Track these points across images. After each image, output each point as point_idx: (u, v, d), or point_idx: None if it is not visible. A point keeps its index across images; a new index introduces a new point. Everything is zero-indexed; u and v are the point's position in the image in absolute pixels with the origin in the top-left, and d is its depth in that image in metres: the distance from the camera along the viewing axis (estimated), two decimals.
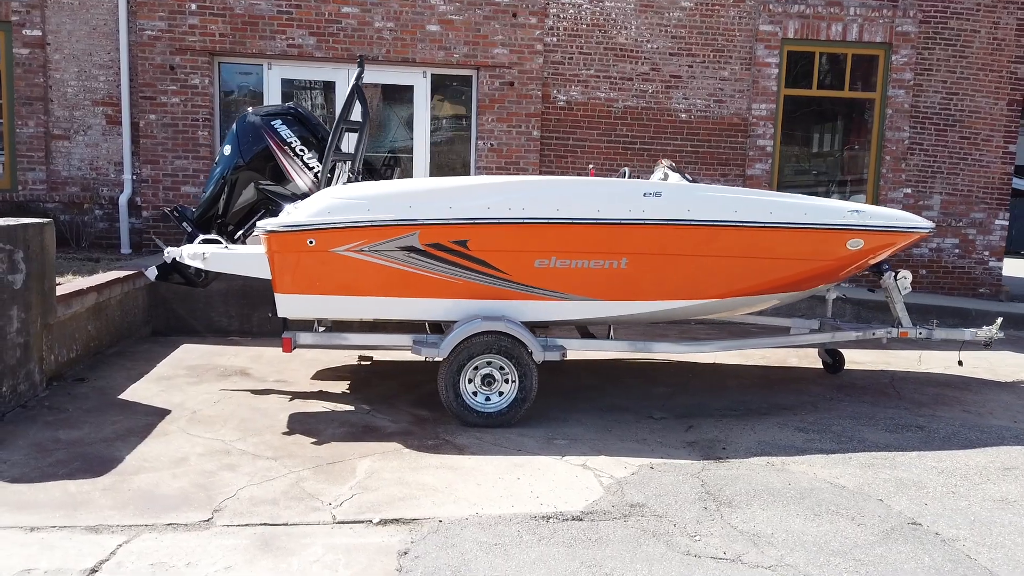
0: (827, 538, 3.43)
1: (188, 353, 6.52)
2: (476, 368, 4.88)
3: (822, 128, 10.77)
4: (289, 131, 5.42)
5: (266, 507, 3.58)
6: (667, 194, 5.00)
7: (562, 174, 9.74)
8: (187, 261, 4.83)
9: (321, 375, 6.02)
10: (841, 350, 6.64)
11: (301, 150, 5.42)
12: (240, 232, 5.70)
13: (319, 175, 5.42)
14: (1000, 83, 10.40)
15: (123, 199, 9.10)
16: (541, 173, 9.60)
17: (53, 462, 4.00)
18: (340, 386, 5.72)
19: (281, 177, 5.52)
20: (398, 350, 6.61)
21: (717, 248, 5.12)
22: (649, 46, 9.75)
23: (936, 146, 10.40)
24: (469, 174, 9.67)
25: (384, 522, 3.48)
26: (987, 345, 6.36)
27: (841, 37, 9.97)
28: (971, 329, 6.30)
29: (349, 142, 5.95)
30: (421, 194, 4.80)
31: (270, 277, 4.80)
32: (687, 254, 5.09)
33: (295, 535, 3.32)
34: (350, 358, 6.58)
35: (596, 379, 6.13)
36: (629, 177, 6.01)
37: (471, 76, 9.61)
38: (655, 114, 9.86)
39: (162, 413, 4.87)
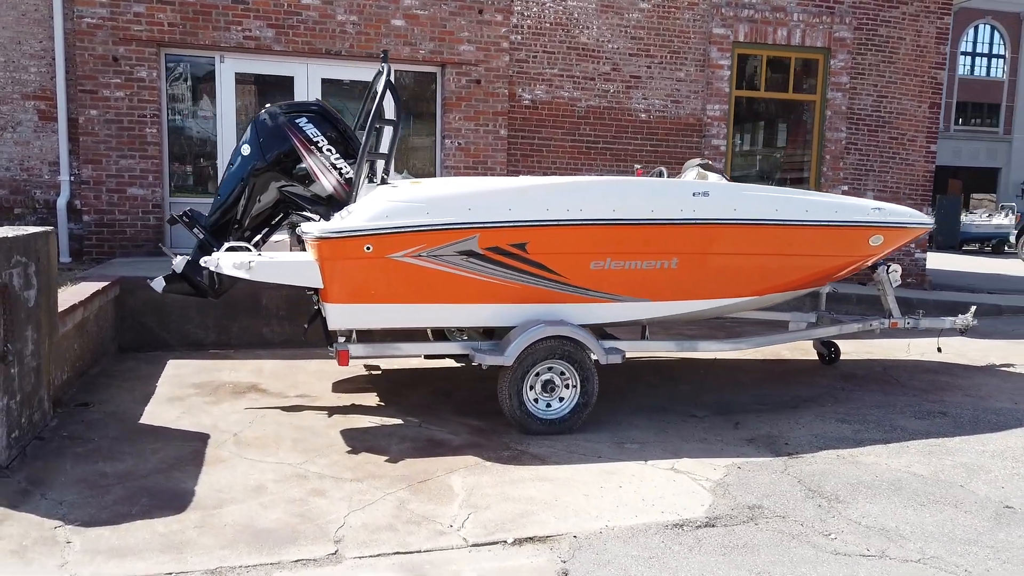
0: (947, 527, 3.56)
1: (181, 370, 6.00)
2: (537, 374, 4.75)
3: (769, 128, 11.23)
4: (316, 129, 5.07)
5: (387, 534, 3.33)
6: (714, 194, 5.05)
7: (528, 174, 9.68)
8: (229, 272, 4.42)
9: (340, 387, 5.70)
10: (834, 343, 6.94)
11: (329, 150, 5.09)
12: (258, 238, 5.30)
13: (345, 175, 5.11)
14: (923, 87, 11.18)
15: (61, 202, 8.29)
16: (508, 173, 9.49)
17: (117, 499, 3.57)
18: (368, 398, 5.43)
19: (304, 178, 5.15)
20: (439, 359, 6.32)
21: (759, 246, 5.21)
22: (610, 46, 9.84)
23: (869, 146, 11.07)
24: (435, 173, 9.43)
25: (519, 541, 3.32)
26: (963, 332, 6.81)
27: (786, 41, 10.42)
28: (950, 318, 6.73)
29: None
30: (481, 196, 4.62)
31: (319, 286, 4.47)
32: (733, 252, 5.16)
33: (438, 563, 3.11)
34: (356, 368, 6.26)
35: (617, 380, 6.11)
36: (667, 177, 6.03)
37: (436, 73, 9.37)
38: (616, 114, 9.97)
39: (201, 438, 4.45)
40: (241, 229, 5.21)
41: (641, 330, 5.60)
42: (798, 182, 11.06)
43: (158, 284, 5.21)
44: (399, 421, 4.91)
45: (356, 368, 6.28)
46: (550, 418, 4.74)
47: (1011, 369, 6.88)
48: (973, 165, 37.12)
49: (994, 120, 39.18)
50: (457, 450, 4.41)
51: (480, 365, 4.73)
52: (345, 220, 4.45)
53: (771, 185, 10.98)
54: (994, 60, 39.02)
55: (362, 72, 9.13)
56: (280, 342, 7.15)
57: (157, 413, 4.87)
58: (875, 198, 11.12)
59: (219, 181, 5.23)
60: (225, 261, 4.44)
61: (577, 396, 4.77)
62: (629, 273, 4.93)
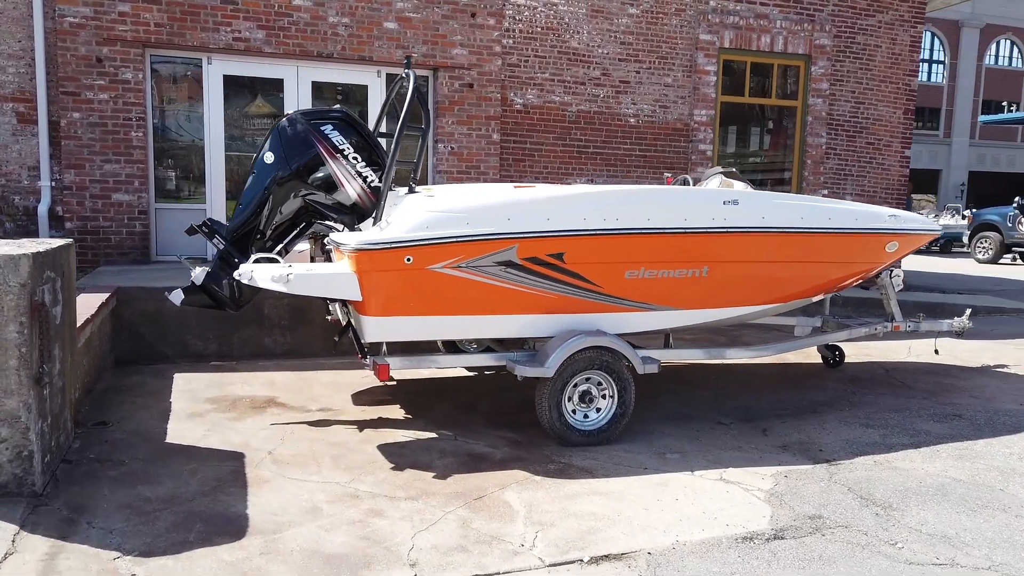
0: (1005, 533, 3.63)
1: (191, 384, 5.79)
2: (575, 385, 4.70)
3: (752, 133, 11.38)
4: (342, 137, 4.94)
5: (460, 555, 3.25)
6: (743, 202, 5.08)
7: (521, 178, 9.64)
8: (266, 285, 4.26)
9: (360, 400, 5.57)
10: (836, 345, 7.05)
11: (355, 157, 4.96)
12: (279, 247, 5.14)
13: (370, 183, 4.99)
14: (898, 94, 11.48)
15: (42, 209, 7.95)
16: (501, 177, 9.44)
17: (169, 526, 3.41)
18: (393, 411, 5.32)
19: (325, 186, 5.01)
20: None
21: (786, 254, 5.26)
22: (600, 51, 9.86)
23: (847, 151, 11.32)
24: (428, 178, 9.31)
25: (595, 560, 3.27)
26: (959, 334, 7.00)
27: (769, 48, 10.58)
28: (947, 321, 6.90)
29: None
30: (520, 205, 4.56)
31: (357, 299, 4.35)
32: (760, 260, 5.20)
33: None
34: (368, 379, 6.14)
35: (639, 388, 6.09)
36: (692, 184, 6.05)
37: (428, 77, 9.26)
38: (606, 118, 9.99)
39: (236, 457, 4.29)
40: (263, 239, 5.04)
41: (664, 339, 5.61)
42: (780, 186, 11.24)
43: (176, 297, 5.01)
44: (433, 435, 4.82)
45: (369, 379, 6.16)
46: (588, 429, 4.71)
47: (1006, 370, 7.09)
48: (916, 167, 38.38)
49: (935, 124, 40.60)
50: (502, 464, 4.34)
51: (518, 376, 4.67)
52: (385, 231, 4.34)
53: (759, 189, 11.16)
54: (934, 66, 40.42)
55: (354, 75, 8.97)
56: (283, 352, 6.97)
57: (181, 431, 4.69)
58: (853, 201, 11.38)
59: (242, 190, 5.06)
60: (261, 274, 4.29)
61: (615, 406, 4.75)
62: (662, 282, 4.93)
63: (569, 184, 9.73)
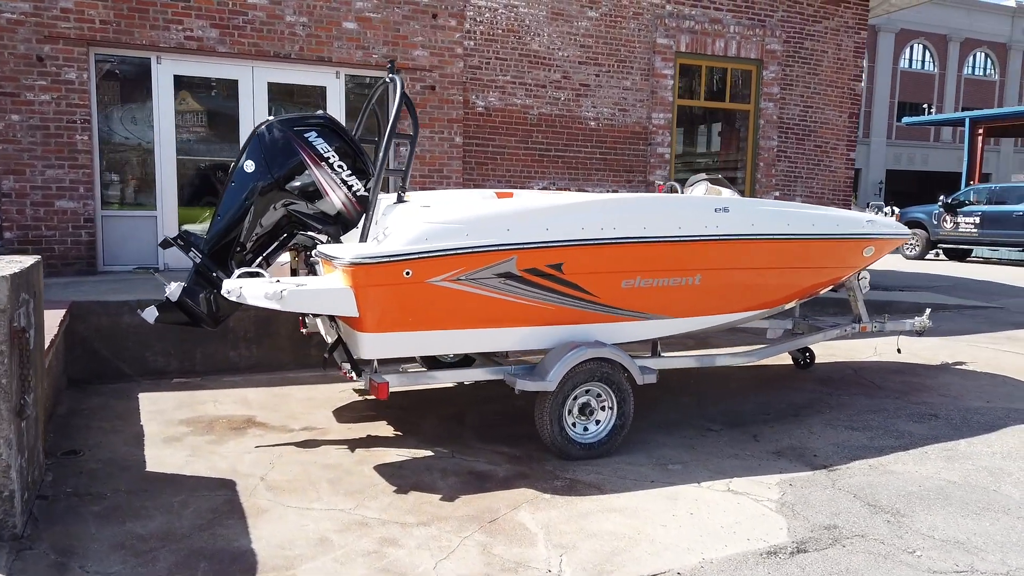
0: (1013, 536, 3.70)
1: (159, 404, 5.48)
2: (575, 398, 4.62)
3: (707, 136, 11.53)
4: (327, 144, 4.73)
5: None
6: (734, 209, 5.09)
7: (484, 182, 9.51)
8: (260, 304, 4.02)
9: (343, 417, 5.36)
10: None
11: (340, 166, 4.76)
12: (258, 261, 4.89)
13: (355, 192, 4.80)
14: (843, 98, 11.81)
15: None
16: (464, 181, 9.29)
17: (172, 567, 3.17)
18: (379, 428, 5.13)
19: (311, 196, 4.79)
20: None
21: (773, 260, 5.30)
22: (560, 54, 9.81)
23: (797, 153, 11.58)
24: (388, 184, 9.08)
25: None
26: (920, 333, 7.20)
27: (723, 52, 10.73)
28: (909, 320, 7.09)
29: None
30: (518, 216, 4.44)
31: (354, 315, 4.16)
32: (750, 267, 5.22)
33: None
34: (346, 394, 5.93)
35: None
36: (679, 191, 6.02)
37: None
38: (567, 121, 9.95)
39: (226, 485, 4.05)
40: (244, 251, 4.79)
41: (652, 347, 5.57)
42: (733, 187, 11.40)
43: (150, 315, 4.72)
44: (428, 453, 4.66)
45: (346, 394, 5.95)
46: (589, 442, 4.63)
47: (964, 367, 7.34)
48: None
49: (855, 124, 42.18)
50: (507, 483, 4.22)
51: (515, 390, 4.55)
52: (383, 244, 4.17)
53: None
54: None
55: (312, 76, 8.69)
56: (249, 367, 6.69)
57: (161, 458, 4.41)
58: (802, 202, 11.64)
59: (219, 200, 4.79)
60: (252, 291, 4.06)
61: (614, 418, 4.68)
62: (657, 291, 4.89)
63: (532, 188, 9.66)
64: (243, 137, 8.49)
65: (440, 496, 4.00)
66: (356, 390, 6.06)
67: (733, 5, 10.71)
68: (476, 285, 4.34)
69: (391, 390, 4.35)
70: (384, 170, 4.84)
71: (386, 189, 7.08)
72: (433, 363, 5.79)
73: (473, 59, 9.34)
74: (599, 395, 4.68)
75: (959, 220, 20.65)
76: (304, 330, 5.64)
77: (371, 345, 4.25)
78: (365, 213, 4.81)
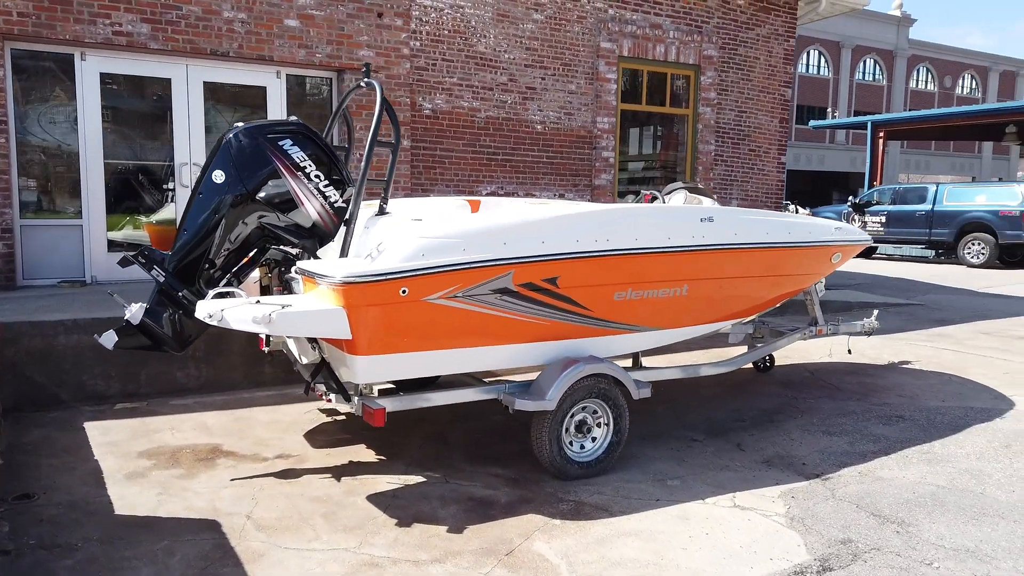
0: (1017, 542, 3.78)
1: (109, 434, 5.02)
2: (572, 415, 4.48)
3: (648, 140, 11.60)
4: (302, 152, 4.41)
5: None
6: (718, 218, 5.06)
7: (432, 186, 9.26)
8: (242, 327, 3.68)
9: (317, 441, 5.05)
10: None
11: (317, 175, 4.45)
12: (226, 279, 4.51)
13: (332, 202, 4.50)
14: (775, 103, 12.12)
15: None
16: (412, 186, 9.01)
17: None
18: (360, 452, 4.86)
19: (284, 207, 4.46)
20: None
21: (754, 268, 5.31)
22: (506, 56, 9.66)
23: (733, 157, 11.81)
24: None
25: None
26: (868, 335, 7.42)
27: (664, 57, 10.82)
28: (859, 322, 7.30)
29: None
30: (515, 229, 4.26)
31: (346, 337, 3.88)
32: (733, 276, 5.21)
33: None
34: (314, 415, 5.61)
35: None
36: (664, 198, 5.95)
37: (332, 79, 8.67)
38: (514, 125, 9.81)
39: (211, 527, 3.71)
40: (213, 269, 4.42)
41: (633, 359, 5.50)
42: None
43: (108, 340, 4.29)
44: (420, 478, 4.42)
45: (313, 415, 5.63)
46: (586, 460, 4.50)
47: (911, 366, 7.60)
48: None
49: None
50: (511, 509, 4.04)
51: (510, 409, 4.38)
52: (377, 261, 3.90)
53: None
54: None
55: (251, 76, 8.23)
56: (198, 387, 6.25)
57: (129, 499, 4.01)
58: (738, 206, 11.91)
59: (183, 214, 4.40)
60: (236, 314, 3.72)
61: (611, 434, 4.57)
62: (647, 303, 4.81)
63: (481, 193, 9.48)
64: (177, 140, 7.97)
65: (446, 527, 3.78)
66: (322, 410, 5.75)
67: (672, 11, 10.81)
68: (473, 302, 4.14)
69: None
70: (366, 180, 4.58)
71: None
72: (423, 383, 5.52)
73: (419, 60, 9.07)
74: (595, 412, 4.56)
75: (867, 219, 21.69)
76: (266, 349, 5.27)
77: (366, 369, 3.98)
78: (346, 226, 4.53)
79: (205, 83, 8.03)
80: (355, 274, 3.84)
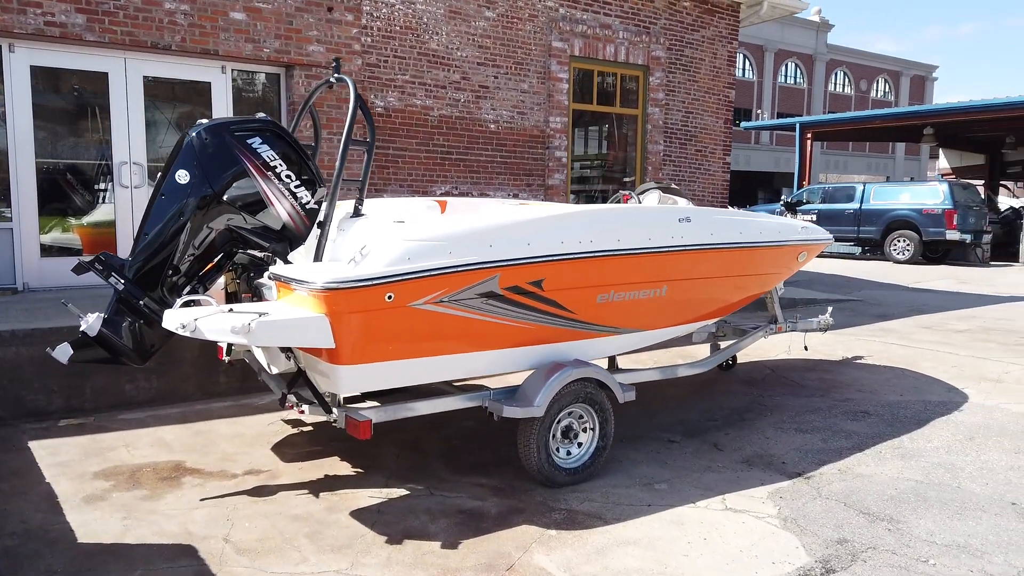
0: (1004, 535, 3.84)
1: (58, 454, 4.67)
2: (558, 421, 4.37)
3: (599, 140, 11.60)
4: (272, 151, 4.17)
5: None
6: (694, 219, 5.03)
7: (385, 186, 9.02)
8: (218, 338, 3.43)
9: (287, 455, 4.80)
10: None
11: (288, 176, 4.22)
12: (190, 286, 4.23)
13: (303, 203, 4.29)
14: (719, 105, 12.29)
15: None
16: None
17: None
18: (333, 464, 4.64)
19: (252, 208, 4.21)
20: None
21: (729, 268, 5.31)
22: (459, 54, 9.49)
23: (680, 157, 11.93)
24: None
25: None
26: (824, 331, 7.56)
27: (614, 57, 10.83)
28: (815, 319, 7.42)
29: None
30: (501, 230, 4.12)
31: (329, 346, 3.68)
32: (709, 276, 5.20)
33: None
34: (277, 426, 5.36)
35: None
36: (640, 198, 5.87)
37: (280, 75, 8.34)
38: (468, 124, 9.65)
39: (187, 552, 3.46)
40: (177, 275, 4.13)
41: (609, 362, 5.44)
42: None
43: (63, 354, 3.97)
44: (403, 491, 4.24)
45: (277, 427, 5.37)
46: (573, 467, 4.39)
47: (864, 361, 7.78)
48: None
49: None
50: (503, 521, 3.90)
51: (494, 416, 4.25)
52: (361, 265, 3.71)
53: (609, 196, 11.39)
54: None
55: (195, 71, 7.84)
56: (148, 400, 5.91)
57: (91, 525, 3.71)
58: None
59: (144, 217, 4.10)
60: (211, 324, 3.47)
61: (596, 440, 4.48)
62: (628, 304, 4.75)
63: (435, 193, 9.30)
64: (115, 138, 7.52)
65: (440, 543, 3.62)
66: (286, 421, 5.49)
67: (621, 11, 10.84)
68: (458, 307, 3.99)
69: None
70: (340, 180, 4.38)
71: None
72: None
73: (371, 56, 8.82)
74: (581, 416, 4.46)
75: (799, 218, 22.33)
76: (226, 358, 4.99)
77: (349, 379, 3.78)
78: (320, 228, 4.32)
79: (145, 78, 7.60)
80: (338, 279, 3.64)
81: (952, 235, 19.37)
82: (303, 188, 4.29)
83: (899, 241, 20.14)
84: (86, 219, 7.65)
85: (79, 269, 4.03)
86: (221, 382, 6.24)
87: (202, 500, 4.05)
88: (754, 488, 4.39)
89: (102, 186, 7.70)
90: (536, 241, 4.20)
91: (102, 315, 4.02)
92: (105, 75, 7.42)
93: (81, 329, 3.99)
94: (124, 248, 7.54)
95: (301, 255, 4.50)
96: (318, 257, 4.29)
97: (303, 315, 3.64)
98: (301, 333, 3.63)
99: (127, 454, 4.71)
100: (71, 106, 7.42)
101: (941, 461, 4.90)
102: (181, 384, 6.07)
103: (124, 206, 7.59)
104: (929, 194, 20.00)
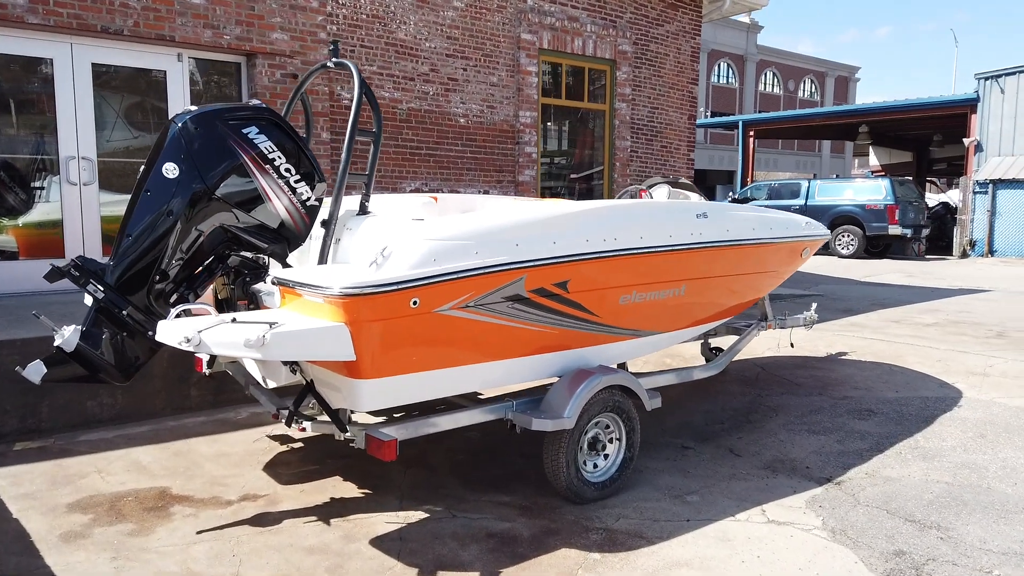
0: None
1: (22, 484, 4.13)
2: (585, 432, 4.08)
3: (567, 135, 11.34)
4: (270, 142, 3.75)
5: None
6: (711, 215, 4.81)
7: (353, 182, 8.55)
8: (228, 352, 3.00)
9: (283, 477, 4.38)
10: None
11: (287, 169, 3.80)
12: (179, 293, 3.77)
13: (302, 199, 3.88)
14: (683, 101, 12.20)
15: None
16: (332, 181, 8.28)
17: None
18: (339, 485, 4.24)
19: (247, 204, 3.78)
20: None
21: (743, 265, 5.11)
22: (427, 45, 9.10)
23: (647, 153, 11.79)
24: None
25: None
26: (809, 327, 7.48)
27: (582, 51, 10.60)
28: (802, 316, 7.33)
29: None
30: (526, 228, 3.80)
31: (350, 358, 3.29)
32: (725, 274, 4.99)
33: None
34: (260, 443, 4.92)
35: None
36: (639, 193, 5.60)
37: (241, 63, 7.81)
38: (437, 118, 9.27)
39: None
40: (165, 281, 3.67)
41: (620, 367, 5.16)
42: (589, 190, 11.37)
43: (35, 372, 3.47)
44: (422, 514, 3.88)
45: (263, 443, 4.93)
46: (601, 480, 4.11)
47: (849, 357, 7.73)
48: None
49: None
50: (539, 544, 3.58)
51: (517, 429, 3.93)
52: (383, 268, 3.34)
53: (576, 192, 11.15)
54: None
55: (148, 58, 7.26)
56: (112, 417, 5.38)
57: (76, 567, 3.23)
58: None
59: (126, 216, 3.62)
60: (219, 338, 3.05)
61: (623, 450, 4.21)
62: (649, 305, 4.49)
63: (405, 189, 8.89)
64: (61, 130, 6.90)
65: (478, 574, 3.28)
66: (272, 437, 5.05)
67: (588, 4, 10.61)
68: (485, 312, 3.65)
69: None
70: (347, 175, 3.98)
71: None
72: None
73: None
74: (607, 427, 4.18)
75: None
76: (207, 371, 4.52)
77: (371, 394, 3.41)
78: (325, 228, 3.91)
79: (94, 65, 6.99)
80: (358, 284, 3.26)
81: (894, 230, 19.88)
82: (303, 183, 3.88)
83: (843, 236, 20.57)
84: (22, 219, 6.99)
85: (52, 275, 3.53)
86: (193, 396, 5.74)
87: (199, 533, 3.61)
88: (788, 497, 4.19)
89: (42, 183, 7.06)
90: (562, 239, 3.90)
91: (80, 328, 3.54)
92: (50, 61, 6.78)
93: (56, 344, 3.49)
94: (72, 251, 6.92)
95: (297, 257, 4.09)
96: (323, 259, 3.89)
97: (319, 324, 3.24)
98: (320, 344, 3.23)
99: (101, 481, 4.21)
100: (9, 95, 6.76)
101: (963, 461, 4.79)
102: (149, 399, 5.55)
103: (72, 205, 6.96)
104: (872, 190, 20.49)
